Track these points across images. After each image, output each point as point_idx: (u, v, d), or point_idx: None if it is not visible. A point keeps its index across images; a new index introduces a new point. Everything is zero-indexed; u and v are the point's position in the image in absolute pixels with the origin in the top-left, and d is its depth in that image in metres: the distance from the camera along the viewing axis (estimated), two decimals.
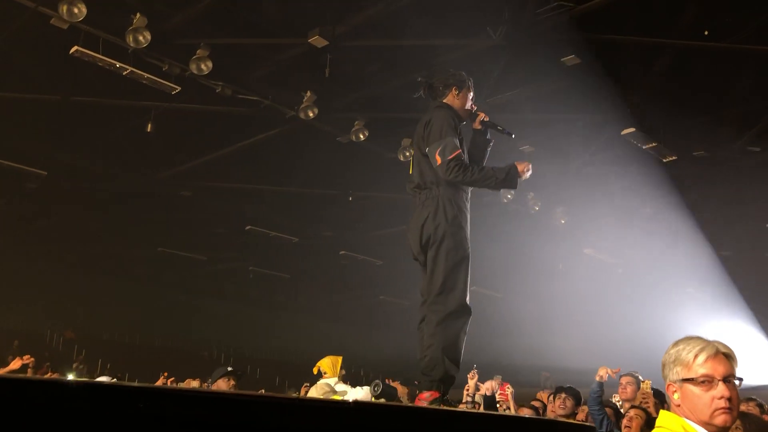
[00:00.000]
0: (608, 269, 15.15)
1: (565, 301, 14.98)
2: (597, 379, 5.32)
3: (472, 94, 3.82)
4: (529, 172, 3.63)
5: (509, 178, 3.56)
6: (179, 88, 8.41)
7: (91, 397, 0.94)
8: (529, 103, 9.16)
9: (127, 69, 7.85)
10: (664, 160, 9.95)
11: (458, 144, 3.46)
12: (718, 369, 1.93)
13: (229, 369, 5.71)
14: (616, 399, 6.17)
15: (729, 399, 1.90)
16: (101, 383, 1.00)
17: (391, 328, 17.40)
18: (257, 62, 8.73)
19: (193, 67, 7.94)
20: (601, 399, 5.28)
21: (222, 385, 5.53)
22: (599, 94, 8.59)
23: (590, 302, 15.10)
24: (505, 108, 9.04)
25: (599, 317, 15.27)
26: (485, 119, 3.87)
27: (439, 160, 3.41)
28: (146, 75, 8.07)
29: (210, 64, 7.95)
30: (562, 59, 8.04)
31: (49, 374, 10.89)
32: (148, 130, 9.48)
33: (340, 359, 6.25)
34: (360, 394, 4.82)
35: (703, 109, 9.11)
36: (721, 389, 1.90)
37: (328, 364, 6.22)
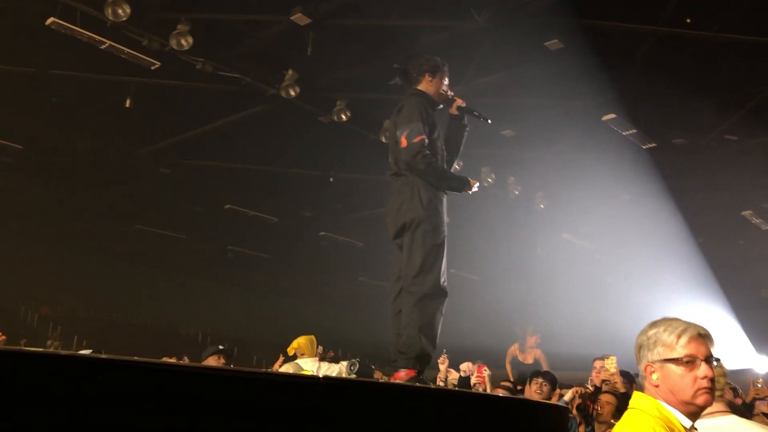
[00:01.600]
0: (586, 254, 15.29)
1: (543, 286, 15.10)
2: (566, 398, 5.19)
3: (447, 79, 3.84)
4: (476, 188, 3.80)
5: (457, 186, 3.69)
6: (159, 64, 8.29)
7: (51, 369, 0.92)
8: (511, 87, 9.16)
9: (106, 43, 7.72)
10: (644, 147, 10.03)
11: (423, 130, 3.50)
12: (701, 349, 1.96)
13: (220, 347, 5.67)
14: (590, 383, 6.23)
15: (711, 379, 1.93)
16: (61, 354, 0.98)
17: (371, 309, 17.42)
18: (239, 39, 8.62)
19: (173, 43, 7.80)
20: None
21: (212, 363, 5.49)
22: (581, 79, 8.61)
23: (568, 287, 15.25)
24: (487, 91, 9.04)
25: (577, 302, 15.44)
26: (462, 105, 3.90)
27: (404, 143, 3.48)
28: (126, 49, 7.94)
29: (190, 40, 7.82)
30: (546, 43, 8.03)
31: None
32: (127, 105, 9.35)
33: (314, 338, 6.25)
34: (333, 370, 4.84)
35: (684, 96, 9.16)
36: (704, 369, 1.94)
37: (305, 343, 6.21)
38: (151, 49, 8.07)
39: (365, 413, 1.25)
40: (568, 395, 5.23)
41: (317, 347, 6.26)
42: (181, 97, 10.03)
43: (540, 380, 5.59)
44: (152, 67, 8.33)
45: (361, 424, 1.25)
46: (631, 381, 5.43)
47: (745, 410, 4.82)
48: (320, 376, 4.94)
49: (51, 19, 7.27)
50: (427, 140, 3.52)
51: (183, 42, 7.80)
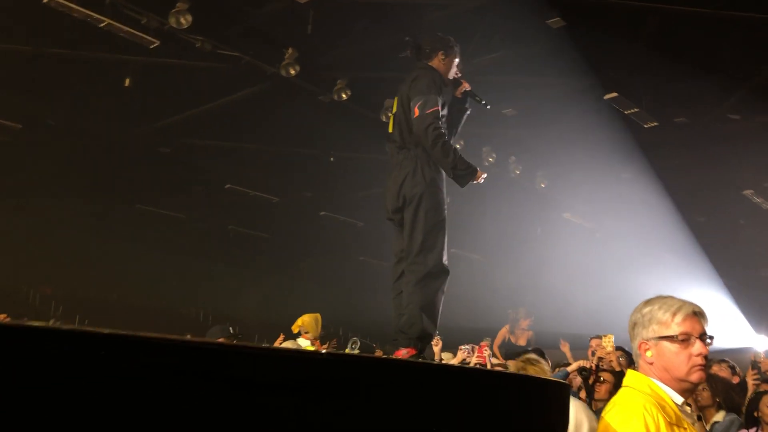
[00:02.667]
0: (587, 234, 15.30)
1: (543, 265, 15.13)
2: (568, 369, 5.30)
3: (458, 60, 3.81)
4: (482, 180, 3.54)
5: (464, 174, 3.47)
6: (158, 42, 8.21)
7: (51, 343, 0.91)
8: (512, 65, 9.10)
9: (104, 21, 7.64)
10: (646, 126, 9.98)
11: (438, 103, 3.45)
12: (696, 327, 1.97)
13: (231, 330, 5.62)
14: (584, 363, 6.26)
15: (705, 356, 1.95)
16: (59, 328, 0.97)
17: (372, 289, 17.48)
18: (238, 17, 8.55)
19: (172, 21, 7.74)
20: None
21: None
22: (583, 57, 8.55)
23: (568, 266, 15.28)
24: (488, 70, 8.98)
25: (577, 281, 15.47)
26: (467, 89, 3.88)
27: (417, 112, 3.41)
28: (124, 28, 7.87)
29: (190, 18, 7.75)
30: (548, 21, 7.96)
31: None
32: (126, 84, 9.30)
33: (319, 317, 6.27)
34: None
35: (686, 75, 9.10)
36: (698, 347, 1.95)
37: (309, 321, 6.23)
38: (150, 28, 8.00)
39: (368, 389, 1.25)
40: (572, 366, 5.30)
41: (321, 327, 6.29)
42: (181, 76, 9.97)
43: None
44: (151, 46, 8.25)
45: (363, 399, 1.24)
46: (631, 362, 5.46)
47: (742, 388, 4.85)
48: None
49: None
50: (440, 114, 3.47)
51: (182, 20, 7.73)
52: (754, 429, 4.12)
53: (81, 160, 12.82)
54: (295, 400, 1.08)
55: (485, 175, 3.54)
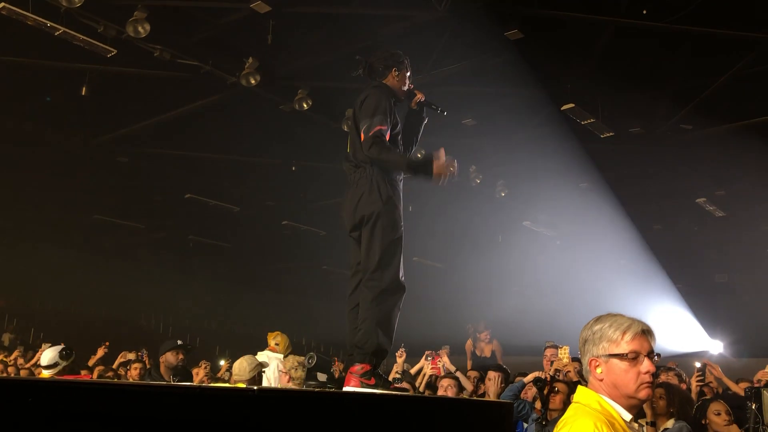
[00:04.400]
0: (546, 241, 15.51)
1: (503, 273, 15.29)
2: (525, 380, 5.38)
3: (409, 73, 3.86)
4: (451, 171, 3.47)
5: (421, 166, 3.47)
6: (115, 51, 8.09)
7: None
8: (472, 76, 9.21)
9: (60, 29, 7.51)
10: (602, 136, 10.19)
11: (383, 121, 3.47)
12: (644, 345, 2.03)
13: (179, 342, 5.59)
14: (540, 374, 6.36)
15: (653, 374, 2.01)
16: None
17: (334, 298, 17.41)
18: (198, 26, 8.49)
19: (129, 30, 7.64)
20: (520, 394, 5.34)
21: (170, 358, 5.46)
22: (541, 69, 8.71)
23: (528, 274, 15.47)
24: (448, 80, 9.08)
25: (537, 289, 15.67)
26: (421, 99, 3.92)
27: (363, 137, 3.45)
28: (81, 36, 7.74)
29: (148, 27, 7.66)
30: (506, 33, 8.08)
31: None
32: (83, 93, 9.16)
33: (289, 343, 6.35)
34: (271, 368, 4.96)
35: (641, 86, 9.34)
36: (647, 365, 2.01)
37: (284, 340, 6.31)
38: (107, 36, 7.89)
39: (300, 423, 1.26)
40: (528, 378, 5.39)
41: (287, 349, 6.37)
42: (139, 85, 9.85)
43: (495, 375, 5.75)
44: (108, 55, 8.14)
45: None
46: None
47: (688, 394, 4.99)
48: (266, 372, 5.00)
49: (1, 5, 7.05)
50: (386, 131, 3.49)
51: (140, 29, 7.65)
52: None
53: (37, 169, 12.54)
54: None
55: (447, 165, 3.43)
